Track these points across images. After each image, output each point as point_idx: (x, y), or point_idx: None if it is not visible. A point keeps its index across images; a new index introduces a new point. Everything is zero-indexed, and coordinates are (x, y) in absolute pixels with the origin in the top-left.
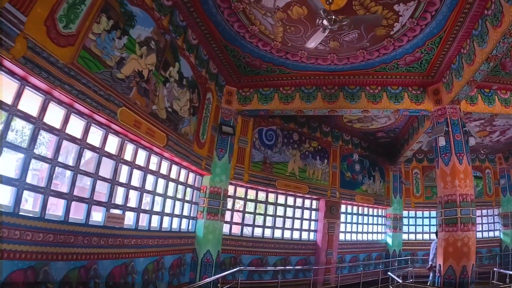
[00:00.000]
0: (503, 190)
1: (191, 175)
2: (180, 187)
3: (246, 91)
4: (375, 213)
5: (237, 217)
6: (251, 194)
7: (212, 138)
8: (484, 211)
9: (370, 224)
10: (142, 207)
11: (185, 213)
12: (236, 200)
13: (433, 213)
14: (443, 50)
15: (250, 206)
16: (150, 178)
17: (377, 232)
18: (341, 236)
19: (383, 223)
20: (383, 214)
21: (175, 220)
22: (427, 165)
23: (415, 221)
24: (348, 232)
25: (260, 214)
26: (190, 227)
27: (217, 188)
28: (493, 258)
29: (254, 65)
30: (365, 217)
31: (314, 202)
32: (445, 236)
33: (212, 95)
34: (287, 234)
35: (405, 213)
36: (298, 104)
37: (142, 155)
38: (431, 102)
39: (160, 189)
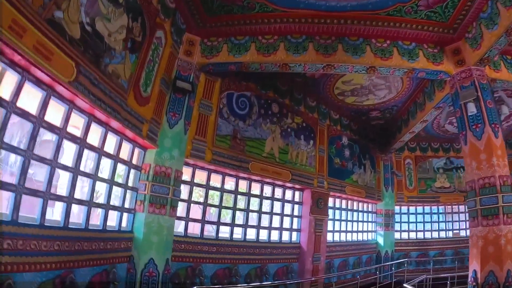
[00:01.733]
0: None
1: (126, 145)
2: (107, 161)
3: (213, 40)
4: (365, 209)
5: (196, 212)
6: (216, 180)
7: (161, 96)
8: None
9: (360, 221)
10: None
11: (116, 202)
12: (195, 187)
13: (427, 209)
14: None
15: (214, 197)
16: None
17: (367, 231)
18: (329, 236)
19: (373, 220)
20: (374, 210)
21: (98, 213)
22: (420, 154)
23: (408, 218)
24: (336, 231)
25: (228, 208)
26: (124, 224)
27: (165, 168)
28: None
29: None
30: (355, 213)
31: (297, 193)
32: (482, 232)
33: (166, 37)
34: (263, 235)
35: (396, 208)
36: (283, 56)
37: (29, 92)
38: (450, 63)
39: (68, 161)
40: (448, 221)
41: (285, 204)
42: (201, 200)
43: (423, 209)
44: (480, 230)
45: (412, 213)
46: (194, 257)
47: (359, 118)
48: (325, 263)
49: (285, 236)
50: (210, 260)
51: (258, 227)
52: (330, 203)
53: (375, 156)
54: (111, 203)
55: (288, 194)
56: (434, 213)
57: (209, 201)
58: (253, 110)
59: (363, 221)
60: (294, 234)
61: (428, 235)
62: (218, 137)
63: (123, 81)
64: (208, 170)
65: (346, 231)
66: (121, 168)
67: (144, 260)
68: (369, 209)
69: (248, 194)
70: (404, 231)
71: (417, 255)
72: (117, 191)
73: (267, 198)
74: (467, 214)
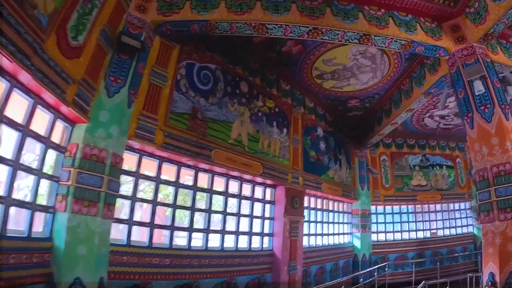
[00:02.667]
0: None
1: (43, 114)
2: (11, 133)
3: None
4: (341, 209)
5: (142, 213)
6: (169, 171)
7: (99, 52)
8: (457, 205)
9: (336, 223)
10: None
11: (24, 196)
12: (141, 179)
13: (404, 208)
14: None
15: (167, 193)
16: None
17: (344, 233)
18: (304, 241)
19: (349, 221)
20: (349, 210)
21: None
22: (396, 151)
23: (384, 218)
24: (312, 234)
25: (185, 207)
26: (40, 229)
27: (99, 151)
28: (468, 257)
29: None
30: (331, 214)
31: (268, 190)
32: (499, 227)
33: None
34: (229, 242)
35: (372, 208)
36: (259, 15)
37: None
38: (450, 40)
39: None
40: (425, 221)
41: (255, 203)
42: (150, 197)
43: (400, 208)
44: (496, 226)
45: (389, 213)
46: (141, 273)
47: (335, 108)
48: (302, 272)
49: (256, 242)
50: (163, 276)
51: (222, 232)
52: (305, 203)
53: (350, 152)
54: (16, 197)
55: (258, 192)
56: (411, 212)
57: (160, 199)
58: (217, 86)
59: (339, 223)
60: (266, 239)
61: (405, 235)
62: (173, 115)
63: (41, 15)
64: (159, 159)
65: (322, 234)
66: (34, 147)
67: (68, 278)
68: (345, 209)
69: (210, 191)
70: (381, 232)
71: (395, 257)
72: (26, 180)
73: (233, 195)
74: (444, 213)
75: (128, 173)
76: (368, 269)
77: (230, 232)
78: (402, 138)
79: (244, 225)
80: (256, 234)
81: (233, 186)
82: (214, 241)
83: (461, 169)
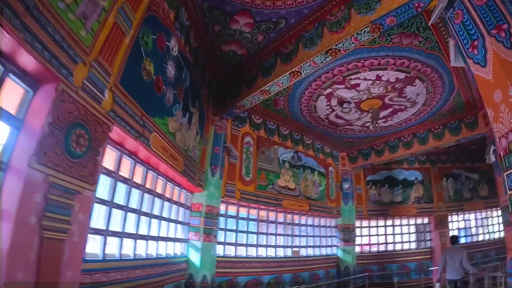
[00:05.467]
0: (345, 196)
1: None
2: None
3: None
4: (175, 198)
5: None
6: None
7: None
8: (323, 221)
9: (165, 219)
10: None
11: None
12: None
13: (265, 215)
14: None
15: None
16: None
17: (176, 240)
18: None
19: (185, 221)
20: (188, 203)
21: None
22: (265, 137)
23: (237, 224)
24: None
25: None
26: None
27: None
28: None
29: None
30: (157, 202)
31: None
32: None
33: None
34: None
35: (222, 208)
36: None
37: None
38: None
39: None
40: (288, 235)
41: None
42: None
43: (258, 213)
44: None
45: (243, 218)
46: None
47: (210, 28)
48: None
49: None
50: None
51: None
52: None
53: (207, 115)
54: None
55: None
56: (272, 222)
57: None
58: None
59: (170, 220)
60: None
61: (262, 252)
62: None
63: None
64: None
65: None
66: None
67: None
68: (182, 200)
69: None
70: (230, 244)
71: (247, 281)
72: None
73: None
74: (309, 229)
75: None
76: None
77: None
78: (275, 123)
79: None
80: None
81: None
82: None
83: (333, 179)
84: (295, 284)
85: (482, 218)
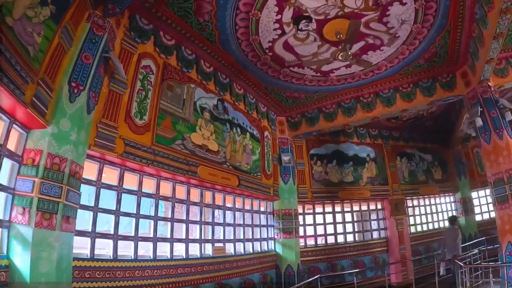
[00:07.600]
0: (284, 172)
1: None
2: None
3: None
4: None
5: None
6: None
7: None
8: (256, 204)
9: None
10: None
11: None
12: None
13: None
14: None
15: None
16: None
17: None
18: None
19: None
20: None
21: None
22: (177, 67)
23: (138, 204)
24: None
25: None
26: None
27: None
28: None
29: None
30: None
31: None
32: (499, 214)
33: None
34: None
35: (92, 164)
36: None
37: None
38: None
39: None
40: (209, 223)
41: None
42: None
43: (157, 181)
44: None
45: (131, 191)
46: None
47: None
48: None
49: None
50: None
51: None
52: None
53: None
54: None
55: None
56: (179, 202)
57: None
58: None
59: None
60: None
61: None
62: None
63: None
64: None
65: None
66: None
67: None
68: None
69: None
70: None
71: None
72: None
73: None
74: (237, 214)
75: None
76: None
77: None
78: (195, 53)
79: None
80: None
81: None
82: None
83: (269, 149)
84: None
85: (437, 204)
